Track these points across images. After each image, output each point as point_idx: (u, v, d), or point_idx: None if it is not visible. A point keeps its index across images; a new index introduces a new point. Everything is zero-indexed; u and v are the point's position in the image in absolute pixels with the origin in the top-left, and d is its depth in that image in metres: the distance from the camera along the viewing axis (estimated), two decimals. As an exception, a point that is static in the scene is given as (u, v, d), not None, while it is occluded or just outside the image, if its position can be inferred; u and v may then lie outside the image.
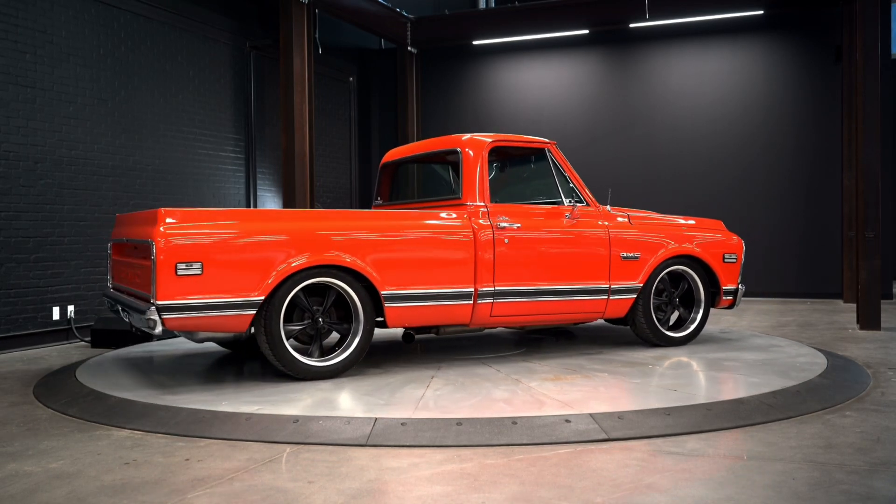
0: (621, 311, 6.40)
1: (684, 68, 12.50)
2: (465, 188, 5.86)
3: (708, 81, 12.35)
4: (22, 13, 7.60)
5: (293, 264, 5.09)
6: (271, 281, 5.01)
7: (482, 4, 17.10)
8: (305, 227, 5.22)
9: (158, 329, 4.78)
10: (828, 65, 11.70)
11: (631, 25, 12.11)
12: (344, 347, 5.38)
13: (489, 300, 5.74)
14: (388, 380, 5.28)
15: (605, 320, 6.55)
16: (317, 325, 5.31)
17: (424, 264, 5.56)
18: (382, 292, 5.37)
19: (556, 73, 13.18)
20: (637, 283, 6.38)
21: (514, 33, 12.79)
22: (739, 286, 7.05)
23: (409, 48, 13.14)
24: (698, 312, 6.83)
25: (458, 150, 5.98)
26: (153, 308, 4.73)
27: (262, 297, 4.99)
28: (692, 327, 6.77)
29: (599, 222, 6.30)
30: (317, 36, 10.73)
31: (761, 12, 11.48)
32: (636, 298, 6.41)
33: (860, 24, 8.40)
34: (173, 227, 4.82)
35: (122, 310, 5.39)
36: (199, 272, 4.84)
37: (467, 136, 6.07)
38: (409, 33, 13.00)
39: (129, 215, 5.78)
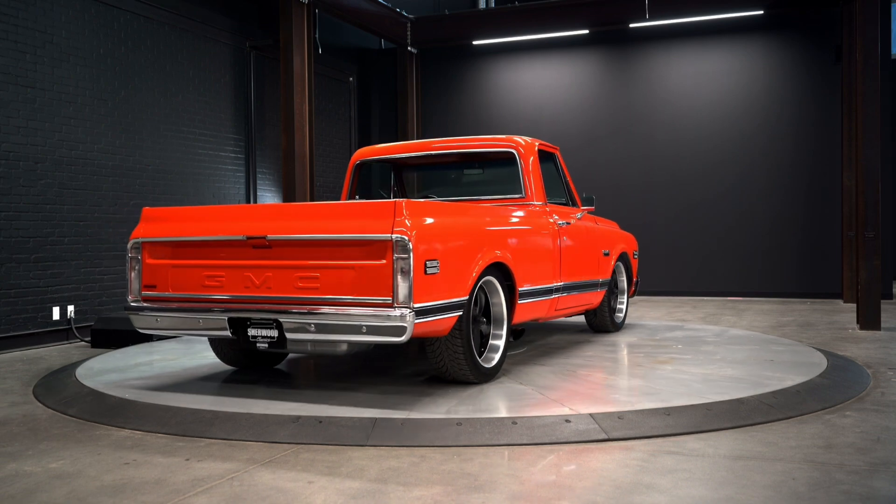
0: (598, 302, 7.19)
1: (684, 68, 12.50)
2: (534, 188, 6.10)
3: (708, 81, 12.35)
4: (22, 13, 7.60)
5: (482, 262, 4.92)
6: (471, 280, 4.80)
7: (482, 4, 17.10)
8: (479, 222, 5.17)
9: (406, 336, 4.25)
10: (828, 65, 11.71)
11: (631, 25, 12.11)
12: (490, 349, 5.20)
13: (558, 294, 6.15)
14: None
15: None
16: (488, 325, 5.22)
17: (538, 260, 5.82)
18: (520, 289, 5.41)
19: (556, 73, 13.18)
20: (608, 278, 7.27)
21: (514, 33, 12.79)
22: (638, 278, 8.25)
23: (409, 48, 13.15)
24: (625, 301, 7.91)
25: (515, 151, 6.15)
26: (408, 312, 4.23)
27: (466, 298, 4.76)
28: (623, 313, 7.88)
29: (589, 223, 6.92)
30: (317, 36, 10.73)
31: (761, 12, 11.48)
32: (606, 291, 7.29)
33: (860, 24, 8.40)
34: (417, 222, 4.41)
35: (255, 323, 4.64)
36: (436, 271, 4.47)
37: (519, 137, 6.21)
38: (409, 33, 13.00)
39: (290, 207, 4.97)
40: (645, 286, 12.32)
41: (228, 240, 4.75)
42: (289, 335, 4.54)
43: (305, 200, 10.26)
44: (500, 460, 3.69)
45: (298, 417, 4.28)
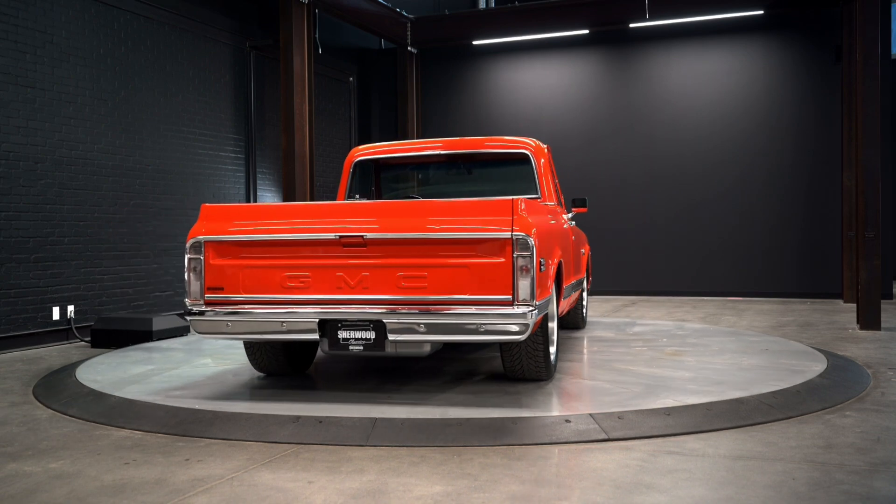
0: (576, 299, 7.30)
1: (684, 68, 12.50)
2: (549, 189, 6.11)
3: (708, 81, 12.35)
4: (22, 13, 7.60)
5: (557, 260, 5.11)
6: (553, 278, 4.90)
7: (482, 4, 17.10)
8: (555, 221, 5.36)
9: (526, 334, 4.22)
10: (828, 65, 11.71)
11: (631, 25, 12.11)
12: (550, 344, 5.23)
13: (574, 292, 6.38)
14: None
15: None
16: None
17: (571, 259, 6.03)
18: (564, 285, 5.51)
19: (556, 73, 13.18)
20: (583, 276, 7.48)
21: (514, 33, 12.79)
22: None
23: (409, 48, 13.14)
24: (586, 299, 8.11)
25: (529, 152, 6.12)
26: (529, 310, 4.20)
27: (551, 295, 4.80)
28: (585, 310, 8.08)
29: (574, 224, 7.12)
30: (317, 36, 10.73)
31: (761, 12, 11.48)
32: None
33: (860, 24, 8.40)
34: (531, 220, 4.38)
35: (347, 325, 4.47)
36: (544, 269, 4.47)
37: (530, 140, 6.22)
38: (409, 33, 13.00)
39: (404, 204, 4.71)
40: (645, 286, 12.33)
41: (316, 239, 4.49)
42: (391, 336, 4.40)
43: (305, 200, 10.26)
44: (500, 460, 3.69)
45: (298, 417, 4.28)
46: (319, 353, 6.11)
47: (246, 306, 4.59)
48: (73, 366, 6.15)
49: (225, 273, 4.62)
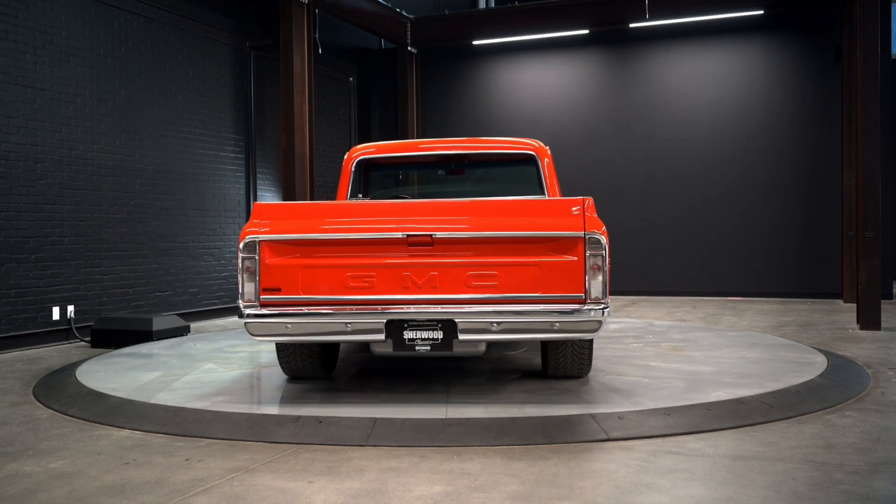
0: None
1: (684, 68, 12.50)
2: (555, 189, 6.10)
3: (708, 81, 12.35)
4: (22, 13, 7.60)
5: None
6: None
7: (482, 4, 17.10)
8: None
9: (599, 331, 4.30)
10: (828, 65, 11.70)
11: (631, 25, 12.11)
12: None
13: None
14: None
15: None
16: None
17: None
18: None
19: (556, 73, 13.18)
20: None
21: (514, 33, 12.79)
22: None
23: (409, 48, 13.14)
24: None
25: (534, 153, 6.13)
26: (602, 308, 4.28)
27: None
28: None
29: None
30: (317, 36, 10.73)
31: (761, 12, 11.48)
32: None
33: (860, 24, 8.40)
34: (599, 219, 4.43)
35: (414, 325, 4.40)
36: (608, 268, 4.53)
37: (534, 141, 6.23)
38: (409, 33, 13.00)
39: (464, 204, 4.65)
40: (645, 286, 12.33)
41: (382, 238, 4.40)
42: (462, 336, 4.35)
43: (305, 200, 10.26)
44: (500, 460, 3.69)
45: (298, 417, 4.28)
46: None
47: (305, 307, 4.42)
48: (73, 366, 6.15)
49: (282, 273, 4.44)
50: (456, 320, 4.34)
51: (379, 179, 6.92)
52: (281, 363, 5.21)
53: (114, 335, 7.52)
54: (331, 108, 12.66)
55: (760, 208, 12.05)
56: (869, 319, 8.17)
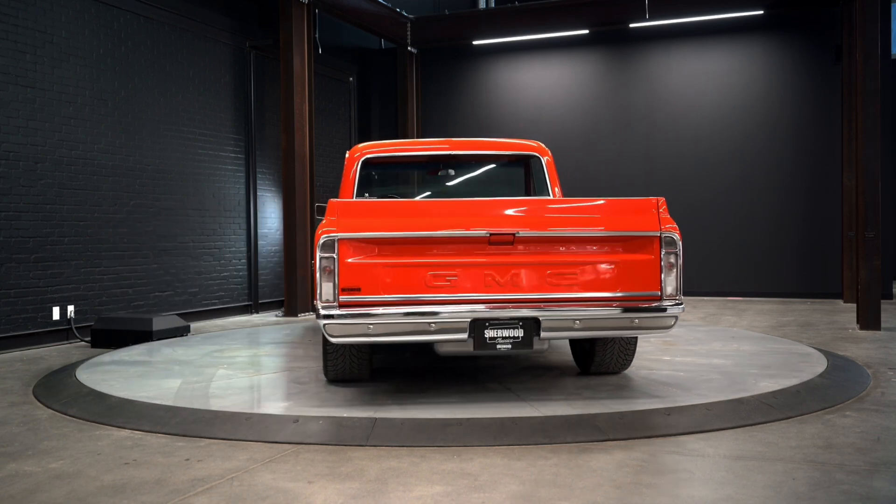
0: None
1: (684, 68, 12.50)
2: (557, 190, 6.22)
3: (708, 81, 12.35)
4: (22, 13, 7.60)
5: None
6: None
7: (482, 4, 17.10)
8: None
9: (672, 327, 4.45)
10: (828, 65, 11.70)
11: (631, 25, 12.11)
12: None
13: None
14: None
15: None
16: None
17: None
18: None
19: (556, 73, 13.17)
20: None
21: (514, 33, 12.79)
22: None
23: (409, 48, 13.14)
24: None
25: (538, 154, 6.26)
26: (677, 305, 4.42)
27: None
28: None
29: None
30: (317, 36, 10.73)
31: (761, 12, 11.48)
32: None
33: (860, 24, 8.40)
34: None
35: (495, 324, 4.37)
36: None
37: (535, 143, 6.33)
38: (409, 33, 13.00)
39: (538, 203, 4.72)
40: (645, 286, 12.30)
41: (463, 236, 4.36)
42: (545, 334, 4.38)
43: (305, 200, 10.25)
44: (500, 460, 3.69)
45: (298, 417, 4.28)
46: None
47: (385, 307, 4.31)
48: (73, 366, 6.15)
49: (361, 273, 4.30)
50: (541, 318, 4.36)
51: (383, 178, 6.90)
52: (327, 366, 5.06)
53: (114, 335, 7.52)
54: (331, 108, 12.66)
55: (760, 208, 12.05)
56: (869, 319, 8.17)
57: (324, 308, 4.26)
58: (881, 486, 3.29)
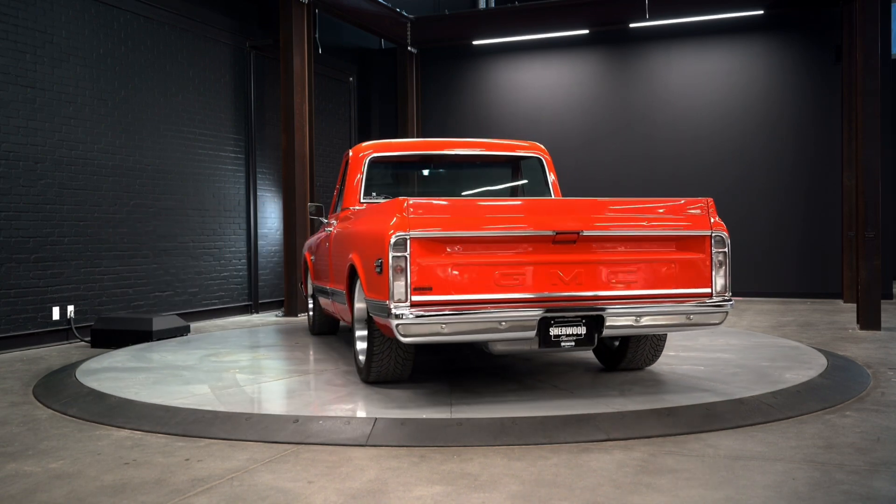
0: None
1: (684, 68, 12.49)
2: (557, 191, 6.40)
3: (708, 81, 12.34)
4: (22, 13, 7.60)
5: None
6: None
7: (482, 4, 17.10)
8: None
9: (722, 323, 4.70)
10: (828, 65, 11.70)
11: (631, 25, 12.10)
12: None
13: None
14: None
15: None
16: None
17: None
18: None
19: (556, 73, 13.17)
20: None
21: (514, 33, 12.78)
22: None
23: (409, 48, 13.14)
24: None
25: (541, 156, 6.47)
26: (727, 301, 4.66)
27: None
28: None
29: None
30: (317, 36, 10.73)
31: (761, 12, 11.48)
32: None
33: (860, 24, 8.40)
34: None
35: (560, 322, 4.41)
36: None
37: (534, 143, 6.53)
38: (409, 33, 13.00)
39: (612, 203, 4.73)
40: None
41: (531, 235, 4.40)
42: (607, 331, 4.48)
43: (305, 200, 10.25)
44: (500, 460, 3.69)
45: (298, 417, 4.28)
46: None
47: (456, 307, 4.30)
48: (73, 366, 6.15)
49: (433, 272, 4.28)
50: (605, 316, 4.45)
51: (387, 177, 6.92)
52: (370, 367, 4.97)
53: (114, 335, 7.52)
54: (331, 108, 12.66)
55: (760, 208, 12.04)
56: (869, 319, 8.17)
57: (396, 308, 4.23)
58: (881, 486, 3.29)
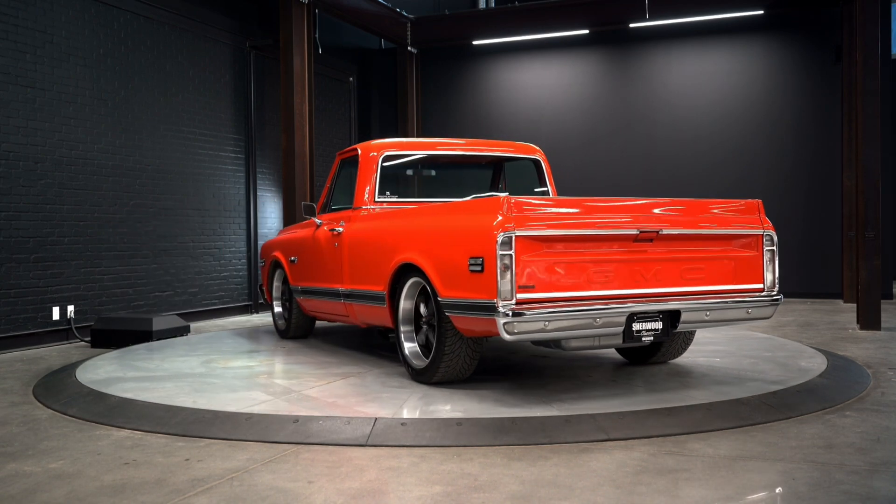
0: None
1: (684, 68, 12.49)
2: (555, 190, 6.61)
3: (708, 81, 12.34)
4: (22, 13, 7.60)
5: None
6: None
7: (482, 4, 17.10)
8: None
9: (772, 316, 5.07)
10: (828, 65, 11.70)
11: (631, 25, 12.10)
12: None
13: None
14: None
15: None
16: None
17: None
18: None
19: (556, 73, 13.17)
20: None
21: (514, 33, 12.79)
22: None
23: (409, 48, 13.14)
24: None
25: (540, 158, 6.68)
26: (778, 296, 5.00)
27: None
28: None
29: None
30: (317, 36, 10.73)
31: (761, 12, 11.48)
32: None
33: (860, 24, 8.39)
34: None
35: (641, 317, 4.53)
36: None
37: (534, 146, 6.73)
38: (409, 33, 13.00)
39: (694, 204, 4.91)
40: (645, 286, 12.32)
41: (618, 234, 4.52)
42: (681, 326, 4.70)
43: (305, 200, 10.25)
44: (500, 460, 3.69)
45: (298, 417, 4.28)
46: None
47: (554, 304, 4.34)
48: (73, 366, 6.14)
49: (535, 270, 4.32)
50: (681, 311, 4.67)
51: (394, 176, 6.87)
52: (438, 367, 4.92)
53: (114, 335, 7.52)
54: (331, 108, 12.66)
55: (760, 208, 12.03)
56: (869, 319, 8.17)
57: (503, 307, 4.22)
58: (881, 486, 3.29)
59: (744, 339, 7.19)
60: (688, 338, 5.67)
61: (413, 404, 4.61)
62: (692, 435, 4.08)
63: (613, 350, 6.52)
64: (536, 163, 6.70)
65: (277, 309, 7.67)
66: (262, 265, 7.95)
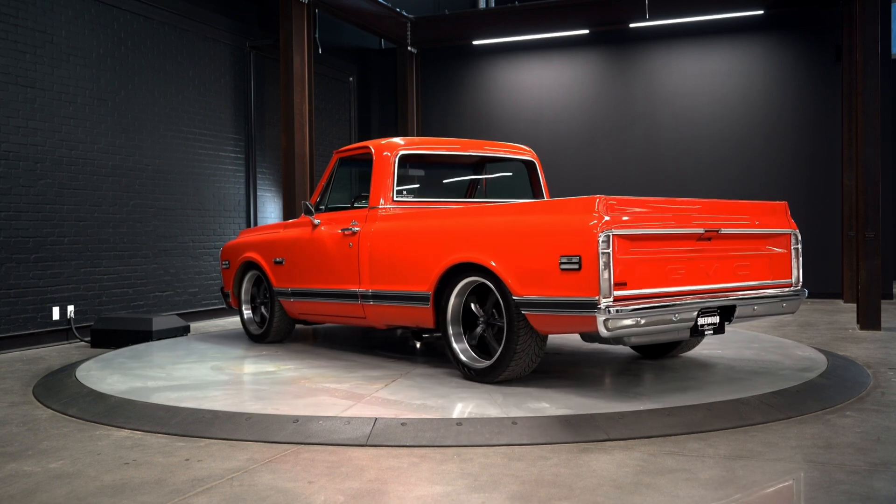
0: None
1: (684, 68, 12.49)
2: (547, 192, 6.80)
3: (708, 81, 12.34)
4: (22, 13, 7.60)
5: None
6: None
7: (482, 4, 17.10)
8: None
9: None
10: (828, 65, 11.70)
11: (631, 25, 12.10)
12: None
13: None
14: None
15: None
16: None
17: None
18: None
19: (556, 73, 13.17)
20: None
21: (514, 33, 12.79)
22: None
23: (409, 48, 13.14)
24: None
25: (534, 160, 6.81)
26: (802, 290, 5.36)
27: None
28: None
29: None
30: (317, 36, 10.73)
31: (761, 12, 11.47)
32: None
33: (860, 24, 8.39)
34: None
35: (703, 313, 4.69)
36: None
37: (528, 148, 6.89)
38: (409, 33, 13.00)
39: (738, 205, 5.19)
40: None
41: (689, 233, 4.76)
42: (735, 320, 4.93)
43: (305, 200, 10.23)
44: (500, 460, 3.69)
45: (298, 417, 4.28)
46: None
47: (642, 301, 4.44)
48: (73, 366, 6.15)
49: (627, 267, 4.41)
50: (737, 306, 4.91)
51: (404, 175, 6.84)
52: (507, 366, 4.92)
53: (114, 335, 7.52)
54: (331, 108, 12.67)
55: (760, 208, 12.03)
56: (869, 319, 8.17)
57: (605, 304, 4.30)
58: (881, 486, 3.29)
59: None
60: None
61: (499, 400, 4.58)
62: (692, 435, 4.08)
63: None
64: (529, 164, 6.85)
65: (248, 314, 7.37)
66: (227, 267, 7.50)
